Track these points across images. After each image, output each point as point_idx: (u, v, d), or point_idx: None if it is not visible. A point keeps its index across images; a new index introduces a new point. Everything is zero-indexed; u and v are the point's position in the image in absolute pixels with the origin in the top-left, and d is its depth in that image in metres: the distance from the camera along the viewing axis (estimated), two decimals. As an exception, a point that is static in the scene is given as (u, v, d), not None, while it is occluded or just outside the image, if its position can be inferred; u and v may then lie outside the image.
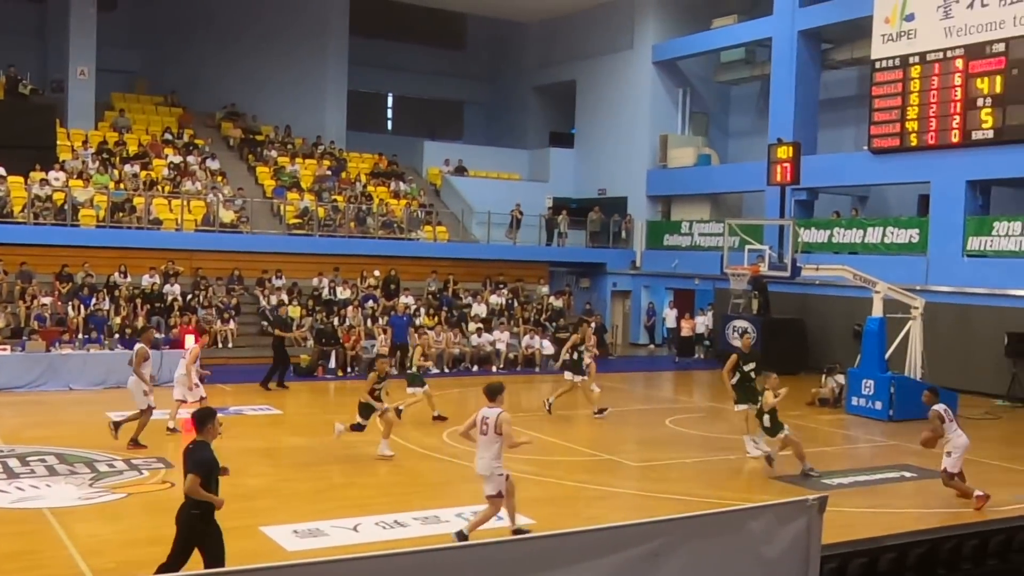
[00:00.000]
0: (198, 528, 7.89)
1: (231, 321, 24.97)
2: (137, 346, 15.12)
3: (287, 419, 17.96)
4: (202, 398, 15.10)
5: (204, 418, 8.41)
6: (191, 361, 15.58)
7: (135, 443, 14.23)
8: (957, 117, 24.20)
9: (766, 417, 13.67)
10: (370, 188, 32.35)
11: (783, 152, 26.77)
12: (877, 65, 26.14)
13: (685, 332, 29.39)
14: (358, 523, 10.75)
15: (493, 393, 10.11)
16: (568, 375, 18.47)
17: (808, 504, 5.13)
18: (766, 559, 4.92)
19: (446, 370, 24.77)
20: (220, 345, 24.46)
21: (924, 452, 15.56)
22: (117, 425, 14.36)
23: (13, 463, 13.05)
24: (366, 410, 14.22)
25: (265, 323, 25.60)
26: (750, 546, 4.90)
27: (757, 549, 4.90)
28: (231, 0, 34.26)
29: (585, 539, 4.54)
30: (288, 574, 4.44)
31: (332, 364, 23.64)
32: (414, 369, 17.53)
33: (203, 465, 8.04)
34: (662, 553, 4.51)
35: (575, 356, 18.34)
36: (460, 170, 35.57)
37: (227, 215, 27.81)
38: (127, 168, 28.51)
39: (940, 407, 12.41)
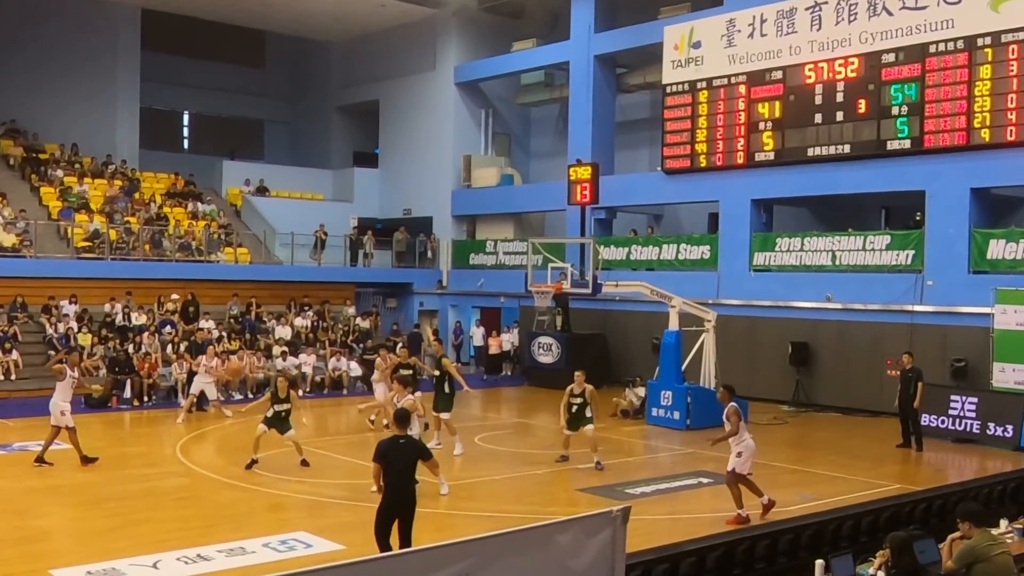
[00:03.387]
0: None
1: (13, 351, 23.38)
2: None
3: (76, 454, 16.94)
4: None
5: None
6: None
7: None
8: (742, 140, 25.62)
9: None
10: (166, 209, 31.10)
11: (582, 172, 27.60)
12: (668, 90, 27.35)
13: (493, 350, 29.73)
14: (158, 559, 10.28)
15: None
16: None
17: (612, 515, 5.26)
18: (574, 571, 5.01)
19: (250, 395, 24.06)
20: (3, 377, 22.87)
21: (720, 459, 16.34)
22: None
23: None
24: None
25: (52, 352, 24.16)
26: (558, 560, 4.98)
27: (564, 562, 4.99)
28: (8, 10, 32.22)
29: (392, 564, 4.50)
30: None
31: (127, 394, 22.53)
32: None
33: None
34: (472, 573, 4.52)
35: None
36: (262, 190, 34.75)
37: (8, 238, 26.08)
38: None
39: (734, 405, 12.67)
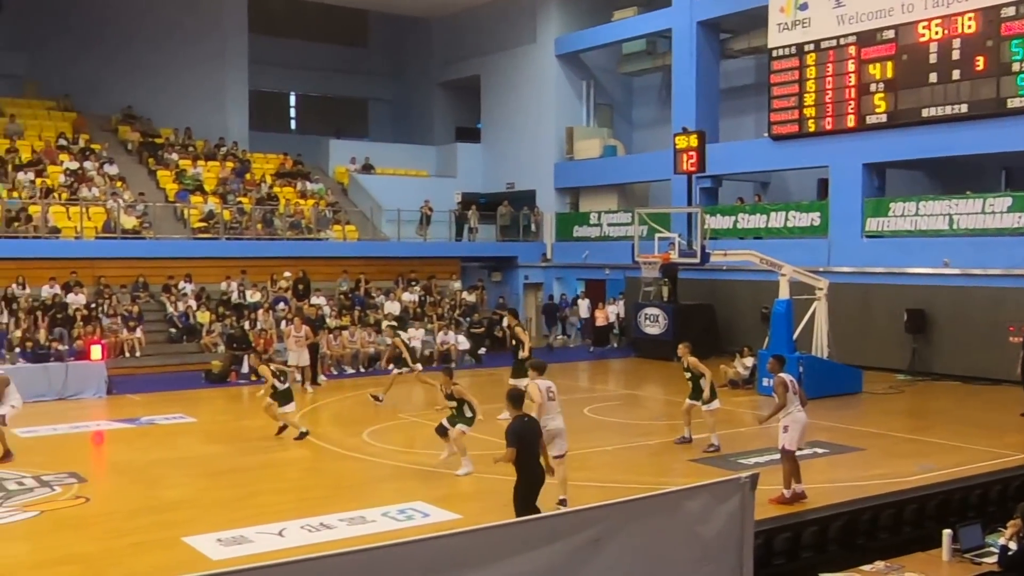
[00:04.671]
0: None
1: (137, 330, 24.33)
2: None
3: (201, 427, 17.59)
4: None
5: None
6: None
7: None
8: (852, 102, 24.92)
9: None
10: (276, 189, 31.85)
11: (689, 141, 27.21)
12: (774, 54, 26.75)
13: (599, 322, 29.69)
14: (283, 527, 10.60)
15: (544, 368, 11.57)
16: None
17: (741, 482, 5.24)
18: (703, 538, 5.01)
19: (361, 370, 24.57)
20: (127, 354, 23.83)
21: (834, 428, 16.12)
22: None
23: (-85, 486, 12.52)
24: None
25: (173, 330, 25.07)
26: (687, 526, 4.99)
27: (694, 528, 4.99)
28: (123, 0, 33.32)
29: (528, 528, 4.56)
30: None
31: (245, 369, 23.22)
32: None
33: None
34: (603, 538, 4.55)
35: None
36: (367, 168, 35.27)
37: (129, 221, 27.07)
38: (21, 176, 27.50)
39: (786, 376, 11.90)
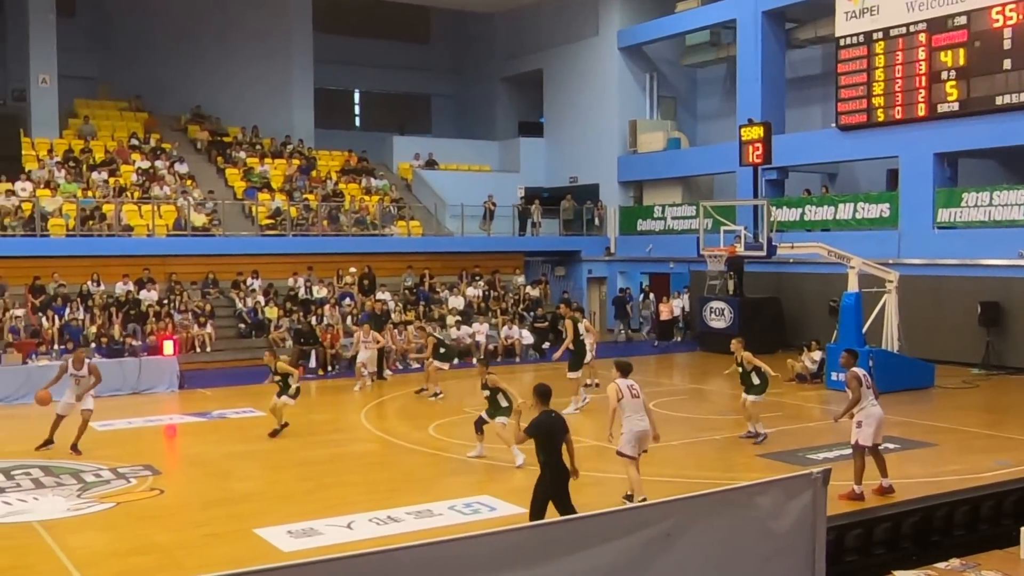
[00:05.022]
0: None
1: (207, 325, 24.79)
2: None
3: (270, 421, 17.82)
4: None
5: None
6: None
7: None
8: (922, 91, 24.42)
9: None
10: (341, 185, 32.21)
11: (754, 132, 26.90)
12: (841, 42, 26.31)
13: (663, 316, 29.50)
14: (351, 520, 10.73)
15: (628, 368, 11.30)
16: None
17: (813, 477, 5.18)
18: (775, 533, 4.96)
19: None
20: (198, 349, 24.30)
21: (905, 423, 15.82)
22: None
23: (-2, 477, 12.92)
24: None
25: (242, 326, 25.50)
26: (759, 521, 4.94)
27: (766, 524, 4.94)
28: (191, 1, 33.93)
29: (600, 522, 4.56)
30: (306, 572, 4.42)
31: (312, 363, 23.54)
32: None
33: None
34: (674, 533, 4.54)
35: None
36: (431, 164, 35.48)
37: (199, 218, 27.59)
38: (95, 175, 28.21)
39: (859, 370, 11.66)
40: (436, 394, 19.36)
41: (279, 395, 15.79)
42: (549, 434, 9.21)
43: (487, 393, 13.60)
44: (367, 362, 21.50)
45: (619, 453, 11.06)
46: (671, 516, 4.61)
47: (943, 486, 11.52)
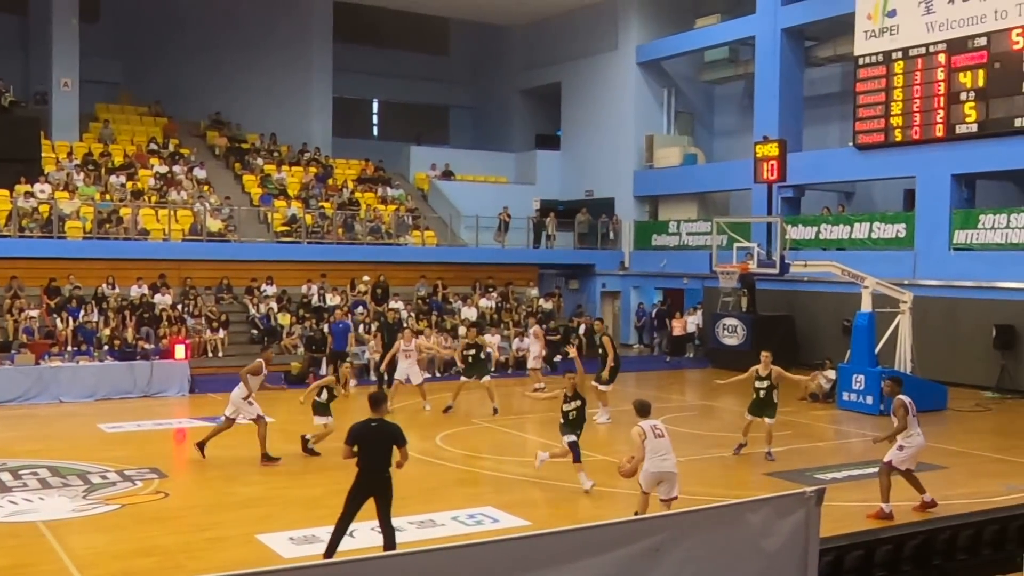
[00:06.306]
0: None
1: (221, 330, 24.88)
2: (256, 360, 15.20)
3: (278, 427, 17.83)
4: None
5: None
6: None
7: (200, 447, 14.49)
8: (941, 111, 24.33)
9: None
10: (357, 194, 32.31)
11: (769, 150, 26.86)
12: (860, 61, 26.26)
13: (676, 331, 29.42)
14: (353, 529, 10.64)
15: (647, 409, 10.91)
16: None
17: (806, 496, 5.15)
18: (766, 552, 4.93)
19: (438, 374, 24.74)
20: (210, 354, 24.39)
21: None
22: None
23: (5, 477, 12.99)
24: None
25: (255, 332, 25.58)
26: (750, 539, 4.92)
27: (757, 542, 4.92)
28: (213, 8, 34.21)
29: (586, 536, 4.55)
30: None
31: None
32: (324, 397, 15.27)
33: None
34: (663, 548, 4.52)
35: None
36: (447, 174, 35.56)
37: (215, 224, 27.73)
38: (113, 179, 28.41)
39: (905, 398, 11.68)
40: (448, 407, 19.23)
41: (324, 414, 15.11)
42: (361, 440, 9.32)
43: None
44: (411, 375, 19.49)
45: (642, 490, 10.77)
46: (661, 531, 4.59)
47: (950, 509, 11.46)
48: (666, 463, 10.45)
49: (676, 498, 10.48)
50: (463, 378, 19.38)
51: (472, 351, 19.12)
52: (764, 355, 14.93)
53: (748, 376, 15.04)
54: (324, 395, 15.08)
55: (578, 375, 13.27)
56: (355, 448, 9.40)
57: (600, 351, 18.58)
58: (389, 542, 9.39)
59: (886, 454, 11.70)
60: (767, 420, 14.72)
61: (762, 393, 14.77)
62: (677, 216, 32.90)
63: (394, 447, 9.37)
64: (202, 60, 33.99)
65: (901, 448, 11.51)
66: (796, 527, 5.02)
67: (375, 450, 9.31)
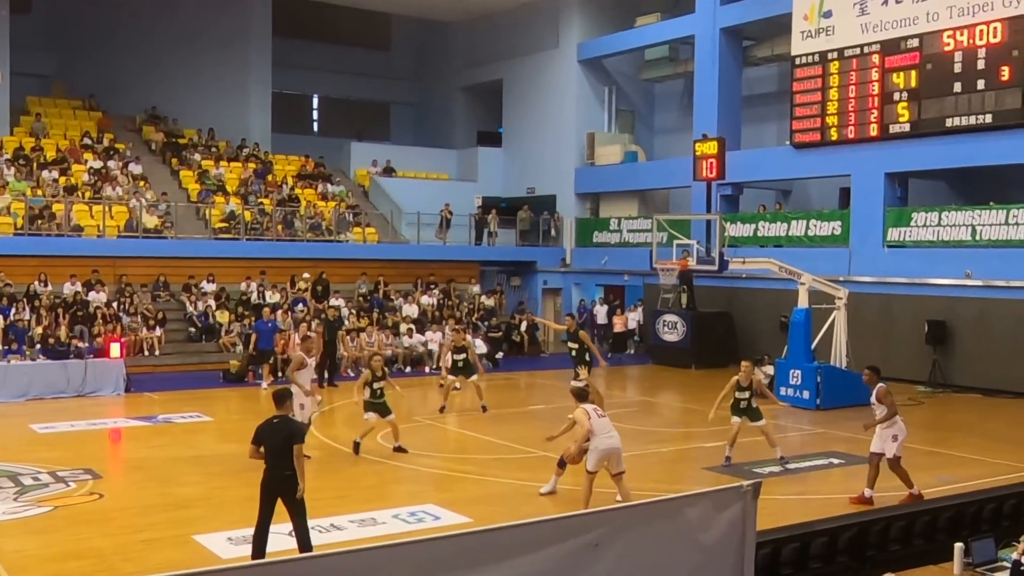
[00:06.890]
0: None
1: (157, 328, 24.48)
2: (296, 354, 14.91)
3: (216, 426, 17.69)
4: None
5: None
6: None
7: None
8: (875, 111, 24.79)
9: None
10: (297, 191, 32.00)
11: (708, 148, 27.15)
12: (797, 61, 26.65)
13: (617, 328, 29.62)
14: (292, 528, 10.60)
15: (585, 394, 11.85)
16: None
17: (743, 490, 5.21)
18: (703, 545, 4.98)
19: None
20: (146, 353, 23.99)
21: (851, 439, 15.99)
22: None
23: (-68, 479, 12.64)
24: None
25: (192, 330, 25.19)
26: (687, 533, 4.96)
27: (694, 536, 4.96)
28: (149, 1, 33.58)
29: (526, 532, 4.55)
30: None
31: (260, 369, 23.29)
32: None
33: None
34: (602, 543, 4.54)
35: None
36: (388, 171, 35.37)
37: (151, 220, 27.26)
38: (45, 174, 27.77)
39: (884, 386, 12.04)
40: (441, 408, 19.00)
41: (378, 412, 14.82)
42: (265, 439, 9.35)
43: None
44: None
45: (587, 471, 11.27)
46: (600, 526, 4.61)
47: (884, 501, 11.70)
48: (612, 440, 11.22)
49: (624, 472, 11.31)
50: (451, 378, 19.25)
51: (462, 356, 18.86)
52: (744, 364, 14.43)
53: (729, 389, 14.26)
54: (367, 392, 14.81)
55: (594, 395, 13.20)
56: (261, 448, 9.34)
57: (573, 349, 18.25)
58: (304, 548, 9.20)
59: (874, 446, 12.09)
60: (760, 423, 14.27)
61: (743, 404, 14.20)
62: (618, 213, 33.10)
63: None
64: (138, 54, 33.33)
65: (895, 438, 11.94)
66: (733, 520, 5.08)
67: (276, 448, 9.24)
